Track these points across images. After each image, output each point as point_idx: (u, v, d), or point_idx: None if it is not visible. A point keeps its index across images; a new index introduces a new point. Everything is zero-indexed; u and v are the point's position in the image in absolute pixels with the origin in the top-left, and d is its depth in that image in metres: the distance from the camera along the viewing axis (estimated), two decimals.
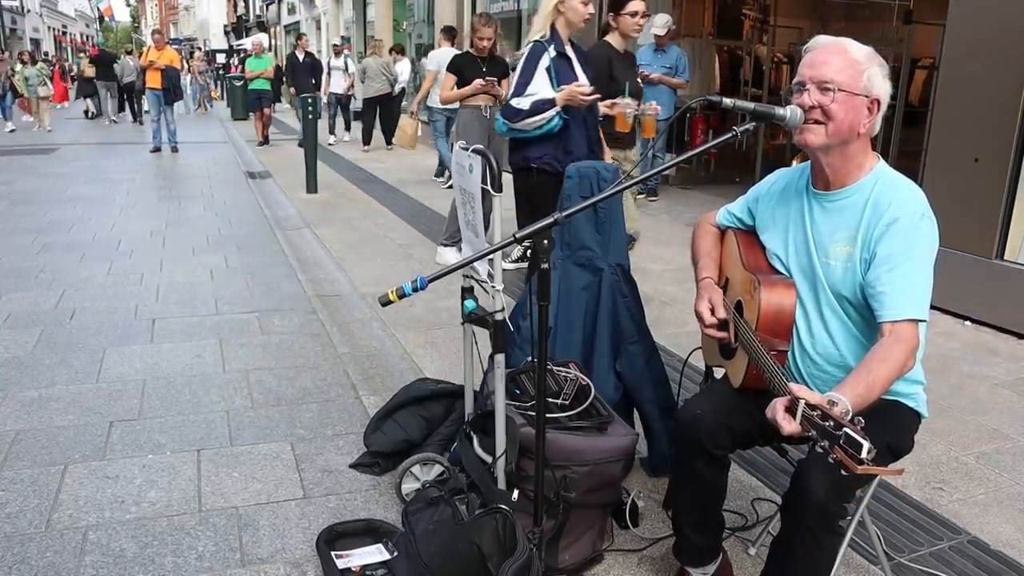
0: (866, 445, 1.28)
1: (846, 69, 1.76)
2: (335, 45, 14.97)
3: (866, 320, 1.84)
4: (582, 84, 3.79)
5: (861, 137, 1.82)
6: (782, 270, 1.98)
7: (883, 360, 1.67)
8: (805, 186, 1.97)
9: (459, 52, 6.14)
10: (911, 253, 1.74)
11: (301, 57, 13.65)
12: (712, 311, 2.02)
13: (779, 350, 1.87)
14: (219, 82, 27.74)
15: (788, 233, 1.98)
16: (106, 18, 59.40)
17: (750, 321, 1.92)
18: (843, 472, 1.33)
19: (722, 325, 2.02)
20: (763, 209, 2.09)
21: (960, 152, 4.60)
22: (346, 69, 13.86)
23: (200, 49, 35.16)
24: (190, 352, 3.98)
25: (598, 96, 3.89)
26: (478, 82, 5.57)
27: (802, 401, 1.46)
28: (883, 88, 1.79)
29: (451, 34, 9.52)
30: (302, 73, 13.52)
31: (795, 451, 2.24)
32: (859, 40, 1.83)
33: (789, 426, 1.49)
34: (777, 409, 1.53)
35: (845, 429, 1.32)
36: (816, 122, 1.78)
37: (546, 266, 1.83)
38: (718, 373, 2.25)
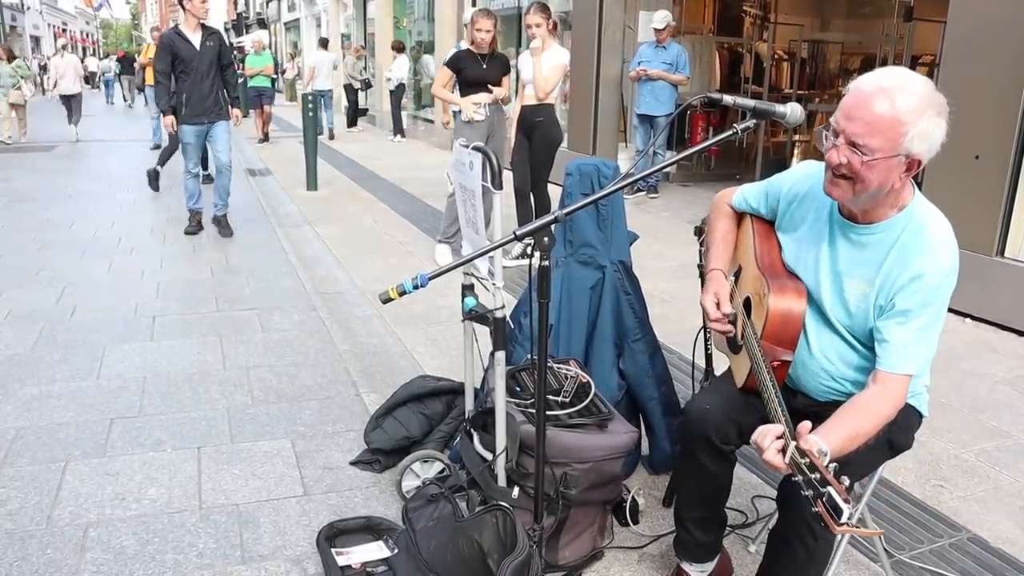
0: (846, 511, 1.26)
1: (885, 132, 1.58)
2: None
3: (871, 351, 1.78)
4: None
5: (895, 188, 1.68)
6: None
7: (871, 414, 1.65)
8: (831, 206, 1.85)
9: (457, 48, 6.11)
10: (928, 309, 1.69)
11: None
12: (718, 306, 1.97)
13: (782, 360, 1.83)
14: None
15: (808, 253, 1.90)
16: (91, 8, 56.50)
17: (756, 324, 1.88)
18: (821, 524, 1.32)
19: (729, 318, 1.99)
20: (784, 211, 1.99)
21: (961, 149, 4.59)
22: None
23: None
24: (190, 349, 3.98)
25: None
26: (484, 96, 5.61)
27: (792, 444, 1.42)
28: (928, 144, 1.62)
29: (324, 42, 14.76)
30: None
31: None
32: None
33: (775, 460, 1.46)
34: (767, 437, 1.49)
35: (830, 488, 1.30)
36: (843, 176, 1.66)
37: (546, 263, 1.83)
38: (718, 370, 2.24)
